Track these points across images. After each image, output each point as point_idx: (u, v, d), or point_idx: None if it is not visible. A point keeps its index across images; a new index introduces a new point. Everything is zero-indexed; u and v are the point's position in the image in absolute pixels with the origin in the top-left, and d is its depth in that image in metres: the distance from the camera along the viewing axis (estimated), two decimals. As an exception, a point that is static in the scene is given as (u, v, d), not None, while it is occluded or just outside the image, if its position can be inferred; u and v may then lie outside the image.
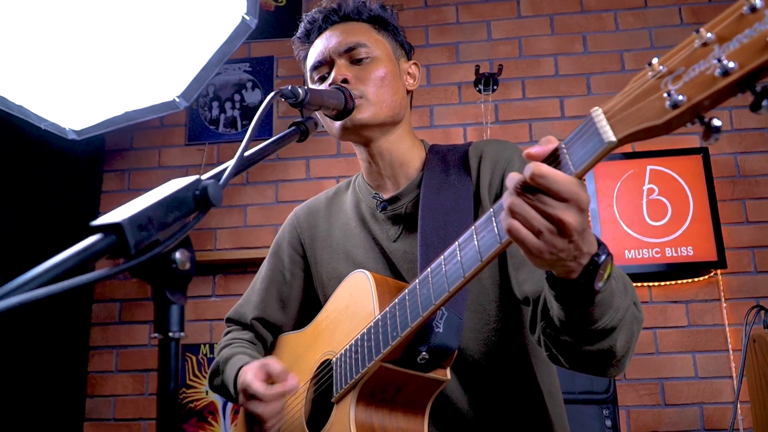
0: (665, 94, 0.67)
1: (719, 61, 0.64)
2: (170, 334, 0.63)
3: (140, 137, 3.14)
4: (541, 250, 0.74)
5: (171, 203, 0.65)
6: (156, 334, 0.64)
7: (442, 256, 0.94)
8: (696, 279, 2.70)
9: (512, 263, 1.14)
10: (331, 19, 1.29)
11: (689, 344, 2.67)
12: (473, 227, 0.89)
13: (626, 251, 2.60)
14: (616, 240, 2.62)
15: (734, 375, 2.56)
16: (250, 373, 1.13)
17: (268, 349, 1.44)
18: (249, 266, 2.95)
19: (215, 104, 3.15)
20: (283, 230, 1.47)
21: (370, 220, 1.31)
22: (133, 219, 0.59)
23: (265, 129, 3.10)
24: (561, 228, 0.73)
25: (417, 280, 0.99)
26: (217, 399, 2.82)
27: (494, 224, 0.85)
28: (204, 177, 0.74)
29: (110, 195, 3.11)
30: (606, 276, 0.81)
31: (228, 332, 1.47)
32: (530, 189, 0.74)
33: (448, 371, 1.06)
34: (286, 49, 3.17)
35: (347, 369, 1.08)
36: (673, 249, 2.60)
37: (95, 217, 0.55)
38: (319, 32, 1.29)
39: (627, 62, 3.00)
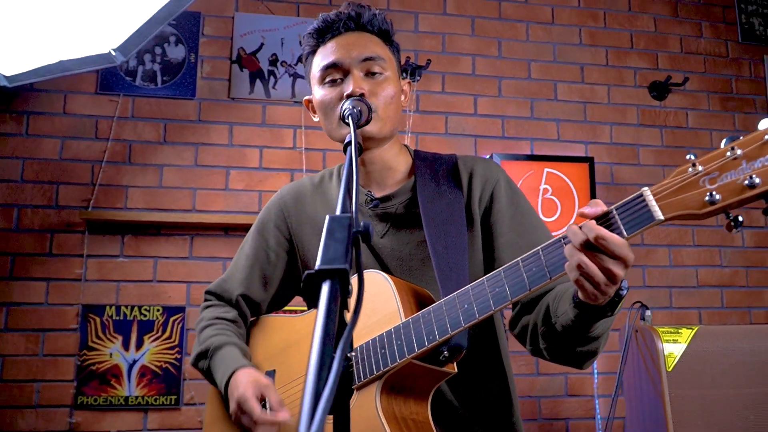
0: (707, 194, 0.91)
1: (750, 177, 0.89)
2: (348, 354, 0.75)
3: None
4: (596, 294, 0.97)
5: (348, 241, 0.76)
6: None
7: (484, 278, 1.13)
8: (571, 269, 3.17)
9: None
10: (348, 25, 1.35)
11: (559, 323, 3.14)
12: (519, 261, 1.08)
13: (521, 242, 2.98)
14: (513, 231, 2.98)
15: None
16: (250, 390, 1.23)
17: (249, 327, 1.52)
18: (163, 228, 2.90)
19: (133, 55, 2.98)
20: (269, 211, 1.53)
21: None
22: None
23: (188, 89, 3.01)
24: (613, 279, 0.96)
25: (455, 295, 1.16)
26: (122, 362, 2.78)
27: (543, 260, 1.05)
28: (338, 213, 0.83)
29: (6, 138, 2.85)
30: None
31: (208, 306, 1.52)
32: (590, 246, 0.95)
33: (455, 365, 1.27)
34: (215, 8, 3.09)
35: (373, 361, 1.23)
36: (558, 243, 3.02)
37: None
38: (334, 34, 1.35)
39: (533, 71, 3.34)
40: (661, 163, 3.37)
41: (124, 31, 2.33)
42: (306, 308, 1.48)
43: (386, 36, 1.39)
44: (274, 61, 3.11)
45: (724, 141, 0.95)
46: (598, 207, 1.01)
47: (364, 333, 1.28)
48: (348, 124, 1.20)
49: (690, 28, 3.53)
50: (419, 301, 1.28)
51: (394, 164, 1.41)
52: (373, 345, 1.25)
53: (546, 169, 3.08)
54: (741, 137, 0.93)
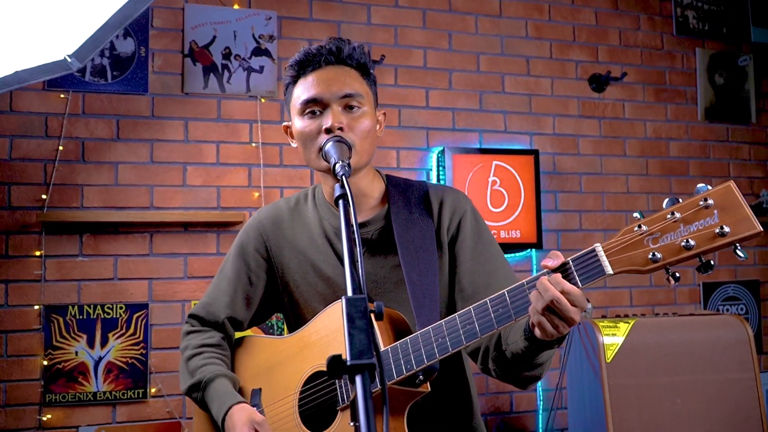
0: (651, 253, 1.07)
1: (687, 240, 1.04)
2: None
3: (-15, 74, 2.79)
4: (554, 334, 1.13)
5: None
6: (353, 423, 0.87)
7: (456, 315, 1.26)
8: (516, 255, 3.37)
9: (460, 296, 1.49)
10: (329, 59, 1.43)
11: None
12: (488, 301, 1.22)
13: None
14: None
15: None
16: (245, 429, 1.37)
17: (235, 347, 1.62)
18: (121, 227, 2.91)
19: (81, 49, 2.91)
20: (248, 234, 1.61)
21: (334, 238, 1.53)
22: None
23: (140, 84, 2.98)
24: (571, 324, 1.12)
25: (430, 328, 1.29)
26: (88, 359, 2.82)
27: (509, 303, 1.20)
28: (350, 295, 0.94)
29: (-51, 139, 2.77)
30: None
31: (191, 332, 1.60)
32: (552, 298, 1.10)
33: (428, 384, 1.41)
34: None
35: None
36: (506, 231, 3.21)
37: None
38: (314, 68, 1.43)
39: (482, 64, 3.46)
40: (598, 153, 3.58)
41: (79, 36, 2.30)
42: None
43: (364, 69, 1.47)
44: (227, 55, 3.10)
45: (665, 202, 1.10)
46: (559, 259, 1.16)
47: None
48: (333, 167, 1.29)
49: (629, 21, 3.71)
50: (395, 326, 1.40)
51: (368, 191, 1.52)
52: None
53: (494, 162, 3.24)
54: (680, 200, 1.08)
